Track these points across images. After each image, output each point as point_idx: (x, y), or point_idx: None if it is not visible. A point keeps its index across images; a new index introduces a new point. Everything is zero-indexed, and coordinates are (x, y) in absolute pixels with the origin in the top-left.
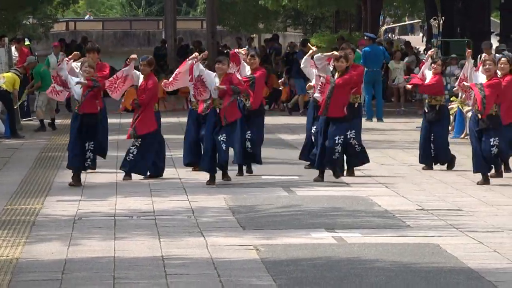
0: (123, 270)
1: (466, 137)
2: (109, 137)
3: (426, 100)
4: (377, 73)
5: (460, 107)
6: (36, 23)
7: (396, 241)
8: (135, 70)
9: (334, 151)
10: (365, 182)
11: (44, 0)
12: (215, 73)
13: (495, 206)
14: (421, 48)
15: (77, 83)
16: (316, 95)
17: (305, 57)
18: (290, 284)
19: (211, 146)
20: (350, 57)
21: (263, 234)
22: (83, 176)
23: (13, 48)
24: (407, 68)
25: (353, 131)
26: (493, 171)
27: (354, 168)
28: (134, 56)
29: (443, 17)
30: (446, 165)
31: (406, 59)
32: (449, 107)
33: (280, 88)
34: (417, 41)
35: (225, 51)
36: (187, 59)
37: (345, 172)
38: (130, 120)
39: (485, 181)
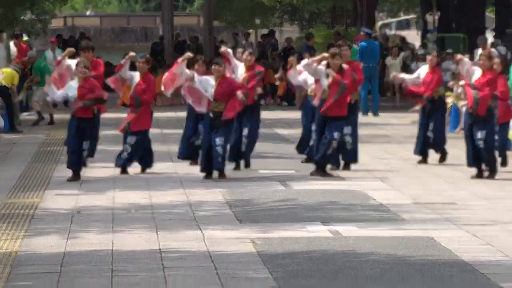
0: (121, 263)
1: (461, 132)
2: (107, 132)
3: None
4: (373, 69)
5: (455, 102)
6: (34, 18)
7: (391, 234)
8: (129, 72)
9: (330, 146)
10: (361, 176)
11: None
12: (210, 76)
13: (489, 200)
14: (417, 43)
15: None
16: (315, 102)
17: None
18: (286, 277)
19: (208, 146)
20: (347, 54)
21: (259, 227)
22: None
23: (11, 43)
24: (403, 63)
25: (349, 127)
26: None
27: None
28: (132, 53)
29: (439, 12)
30: (439, 157)
31: (402, 54)
32: None
33: (277, 83)
34: (413, 36)
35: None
36: (178, 60)
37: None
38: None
39: (479, 175)
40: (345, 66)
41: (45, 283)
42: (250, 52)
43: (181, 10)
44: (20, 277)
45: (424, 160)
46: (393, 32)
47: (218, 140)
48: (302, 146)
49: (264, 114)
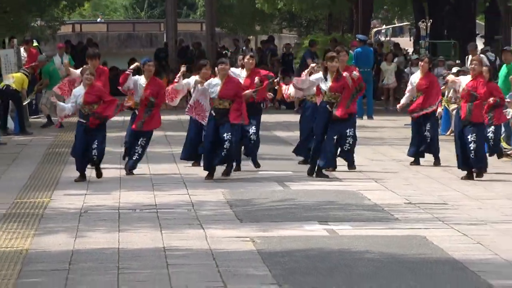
0: (127, 261)
1: (451, 134)
2: (113, 134)
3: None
4: (367, 73)
5: (446, 105)
6: (44, 25)
7: (384, 233)
8: (132, 77)
9: (346, 142)
10: (356, 177)
11: (51, 3)
12: (212, 79)
13: (479, 200)
14: (410, 49)
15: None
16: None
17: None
18: (285, 274)
19: (210, 146)
20: (344, 59)
21: (259, 226)
22: (88, 171)
23: (22, 49)
24: (397, 68)
25: (352, 129)
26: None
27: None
28: (135, 65)
29: (431, 20)
30: (434, 160)
31: (396, 59)
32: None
33: (276, 87)
34: (406, 42)
35: (224, 52)
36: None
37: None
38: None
39: (469, 176)
40: (345, 74)
41: (54, 280)
42: (251, 55)
43: (184, 17)
44: (30, 274)
45: (416, 162)
46: (387, 38)
47: (227, 135)
48: (299, 149)
49: (264, 117)
